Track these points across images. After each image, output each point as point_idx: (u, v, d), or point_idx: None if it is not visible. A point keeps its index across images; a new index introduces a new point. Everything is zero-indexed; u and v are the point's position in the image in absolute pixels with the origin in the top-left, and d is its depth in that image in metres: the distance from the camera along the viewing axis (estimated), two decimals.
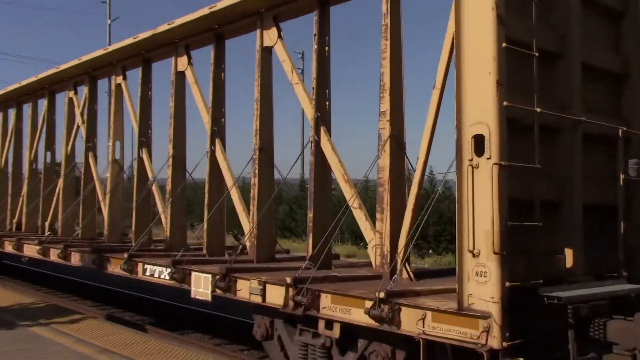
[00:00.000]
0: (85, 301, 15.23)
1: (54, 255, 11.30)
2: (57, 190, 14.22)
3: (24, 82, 15.05)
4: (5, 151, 17.12)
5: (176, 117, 10.76)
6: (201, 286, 7.73)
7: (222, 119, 10.10)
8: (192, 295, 7.89)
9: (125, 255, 9.09)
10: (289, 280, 6.48)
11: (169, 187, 10.60)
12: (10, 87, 15.87)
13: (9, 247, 13.05)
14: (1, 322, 10.19)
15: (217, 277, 7.45)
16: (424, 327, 5.40)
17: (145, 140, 11.64)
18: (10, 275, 18.80)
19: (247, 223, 9.12)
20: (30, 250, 12.11)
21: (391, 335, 5.80)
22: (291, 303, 6.49)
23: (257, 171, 8.95)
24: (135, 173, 11.57)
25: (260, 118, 9.03)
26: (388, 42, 7.36)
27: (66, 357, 8.03)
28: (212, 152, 9.84)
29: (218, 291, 7.52)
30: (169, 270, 8.34)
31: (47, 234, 12.66)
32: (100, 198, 12.62)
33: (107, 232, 12.01)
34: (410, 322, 5.52)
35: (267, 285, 6.91)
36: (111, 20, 41.32)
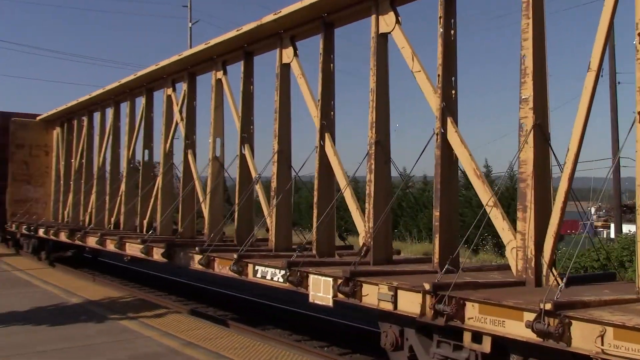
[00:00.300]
0: (169, 296, 15.56)
1: (157, 254, 11.09)
2: (155, 189, 14.13)
3: (123, 81, 15.08)
4: (103, 150, 17.31)
5: (281, 111, 10.30)
6: (321, 290, 7.17)
7: (332, 113, 9.54)
8: (311, 300, 7.35)
9: (235, 256, 8.67)
10: (427, 286, 5.81)
11: (274, 185, 10.16)
12: (108, 87, 15.97)
13: (110, 246, 13.01)
14: (93, 315, 10.56)
15: (340, 281, 6.87)
16: (602, 345, 4.61)
17: (247, 136, 11.25)
18: (99, 270, 19.36)
19: (361, 223, 8.52)
20: (133, 249, 11.99)
21: (556, 353, 5.03)
22: (430, 312, 5.83)
23: (372, 167, 8.33)
24: (237, 170, 11.20)
25: (376, 110, 8.40)
26: (530, 21, 6.58)
27: (154, 350, 8.22)
28: (322, 147, 9.30)
29: (340, 296, 6.94)
30: (282, 272, 7.84)
31: (149, 232, 12.51)
32: (200, 197, 12.36)
33: (208, 231, 11.72)
34: (584, 338, 4.74)
35: (399, 291, 6.26)
36: (192, 23, 41.57)
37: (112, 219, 15.97)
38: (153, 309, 11.36)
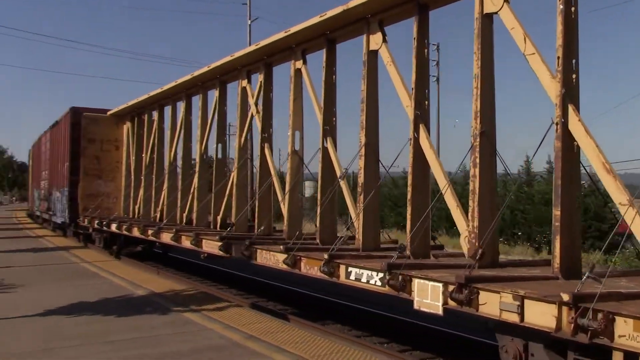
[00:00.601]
0: (230, 289, 15.67)
1: (237, 252, 10.63)
2: (229, 185, 13.72)
3: (196, 73, 14.73)
4: (174, 145, 17.07)
5: (368, 101, 9.64)
6: (428, 296, 6.49)
7: (426, 102, 8.81)
8: (416, 307, 6.67)
9: (325, 256, 8.07)
10: (566, 297, 5.04)
11: (361, 180, 9.52)
12: (180, 80, 15.67)
13: (186, 243, 12.66)
14: (157, 306, 10.82)
15: (452, 287, 6.17)
16: None
17: (329, 128, 10.65)
18: (162, 264, 19.37)
19: (463, 222, 7.77)
20: (209, 246, 11.58)
21: None
22: (569, 327, 5.06)
23: (477, 160, 7.57)
24: (319, 165, 10.61)
25: (481, 98, 7.63)
26: None
27: (216, 342, 8.30)
28: (416, 140, 8.59)
29: (452, 304, 6.24)
30: (381, 275, 7.19)
31: (227, 229, 12.07)
32: (279, 193, 11.84)
33: (287, 228, 11.20)
34: None
35: (527, 302, 5.51)
36: (251, 20, 41.83)
37: (184, 215, 15.69)
38: (215, 302, 11.44)
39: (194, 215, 15.06)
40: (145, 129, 19.46)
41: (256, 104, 12.85)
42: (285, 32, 11.03)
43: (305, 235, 10.86)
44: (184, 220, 15.61)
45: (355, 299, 13.11)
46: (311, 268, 8.56)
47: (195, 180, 15.27)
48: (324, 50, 10.69)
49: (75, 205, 22.19)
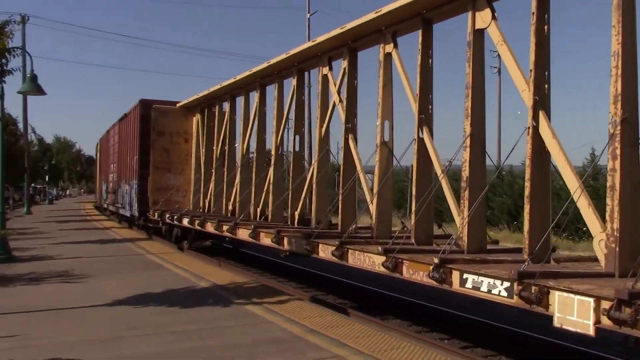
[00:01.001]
0: (289, 282, 15.70)
1: (324, 252, 9.84)
2: (308, 178, 12.95)
3: (272, 61, 13.96)
4: (247, 137, 16.41)
5: (475, 86, 8.62)
6: (574, 313, 5.49)
7: (545, 85, 7.74)
8: (557, 324, 5.67)
9: (436, 260, 7.14)
10: None
11: (465, 174, 8.53)
12: (255, 69, 14.97)
13: (266, 240, 11.96)
14: (220, 298, 10.94)
15: (609, 303, 5.15)
16: None
17: (425, 117, 9.69)
18: (223, 256, 19.35)
19: (597, 224, 6.70)
20: (291, 244, 10.83)
21: None
22: None
23: (617, 151, 6.49)
24: (414, 157, 9.67)
25: (622, 79, 6.54)
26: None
27: (277, 335, 8.34)
28: (535, 129, 7.53)
29: (607, 322, 5.22)
30: (507, 285, 6.23)
31: (312, 226, 11.31)
32: (365, 187, 10.96)
33: (376, 226, 10.33)
34: None
35: None
36: (310, 14, 41.32)
37: (259, 210, 15.03)
38: (275, 295, 11.48)
39: (269, 211, 14.37)
40: (216, 121, 18.89)
41: (339, 92, 12.01)
42: (376, 12, 10.11)
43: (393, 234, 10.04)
44: (258, 216, 14.96)
45: (413, 294, 13.32)
46: (416, 273, 7.65)
47: (271, 173, 14.57)
48: (420, 31, 9.72)
49: (145, 198, 21.98)
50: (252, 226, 12.48)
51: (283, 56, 13.45)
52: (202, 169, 19.30)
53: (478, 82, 8.64)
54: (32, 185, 59.65)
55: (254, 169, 15.67)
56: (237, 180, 16.32)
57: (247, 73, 15.42)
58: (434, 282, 7.21)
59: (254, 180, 15.44)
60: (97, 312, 9.82)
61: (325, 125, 12.59)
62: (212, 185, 18.36)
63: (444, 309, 12.26)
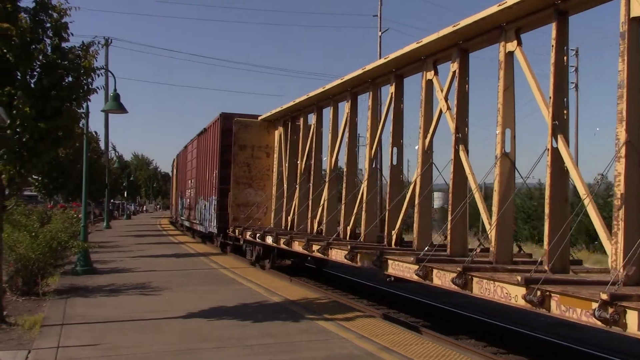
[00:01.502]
0: (361, 300, 15.20)
1: (440, 278, 8.54)
2: (409, 194, 11.69)
3: (367, 68, 12.85)
4: (336, 150, 15.30)
5: (630, 85, 7.21)
6: None
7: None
8: None
9: (604, 296, 5.73)
10: None
11: (620, 190, 7.08)
12: (347, 77, 13.89)
13: (365, 262, 10.76)
14: (292, 313, 10.93)
15: None
16: None
17: (558, 124, 8.30)
18: (291, 273, 18.28)
19: None
20: (399, 268, 9.60)
21: None
22: None
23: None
24: (547, 170, 8.27)
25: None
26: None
27: (351, 352, 8.24)
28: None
29: None
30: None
31: (425, 249, 10.03)
32: (480, 205, 9.61)
33: (496, 248, 8.96)
34: None
35: None
36: (382, 32, 41.42)
37: (349, 228, 13.88)
38: (347, 312, 11.36)
39: (363, 229, 13.17)
40: (300, 134, 17.94)
41: (446, 99, 10.76)
42: (499, 5, 8.84)
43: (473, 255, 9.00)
44: (348, 235, 13.80)
45: (486, 314, 12.97)
46: (570, 310, 6.21)
47: (364, 189, 13.40)
48: (554, 24, 8.39)
49: (225, 215, 21.12)
50: (349, 247, 11.29)
51: (382, 61, 12.35)
52: (285, 185, 18.36)
53: (634, 80, 7.21)
54: (112, 200, 60.87)
55: (344, 185, 14.54)
56: (325, 196, 15.23)
57: (338, 81, 14.36)
58: (598, 323, 5.80)
59: (344, 197, 14.32)
60: (172, 324, 9.90)
61: (429, 136, 11.33)
62: (296, 201, 17.36)
63: (520, 330, 11.71)
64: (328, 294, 15.21)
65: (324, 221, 15.01)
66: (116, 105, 15.03)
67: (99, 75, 10.73)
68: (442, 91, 10.87)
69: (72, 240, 15.43)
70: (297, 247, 14.16)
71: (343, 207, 14.18)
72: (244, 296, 12.78)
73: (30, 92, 9.30)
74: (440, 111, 10.94)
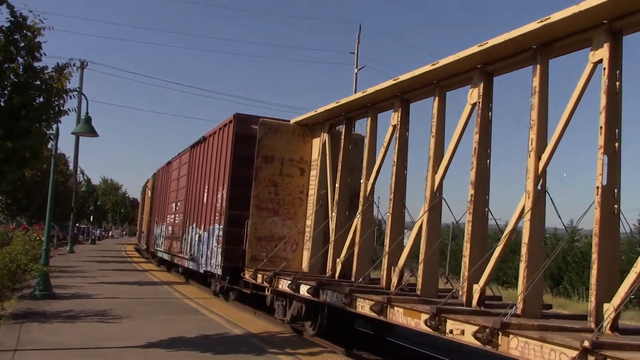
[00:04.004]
0: (325, 334, 13.83)
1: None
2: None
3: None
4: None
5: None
6: None
7: None
8: None
9: None
10: None
11: None
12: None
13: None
14: (253, 347, 10.82)
15: None
16: None
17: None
18: (255, 306, 15.62)
19: None
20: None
21: None
22: None
23: None
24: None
25: None
26: None
27: None
28: None
29: None
30: None
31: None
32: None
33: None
34: None
35: None
36: (358, 69, 42.65)
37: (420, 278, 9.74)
38: (309, 347, 11.28)
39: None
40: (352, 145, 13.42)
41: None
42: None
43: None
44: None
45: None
46: None
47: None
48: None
49: (235, 251, 15.28)
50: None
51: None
52: (331, 213, 13.11)
53: None
54: (77, 224, 58.56)
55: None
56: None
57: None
58: None
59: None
60: (131, 354, 9.72)
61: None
62: (349, 236, 12.14)
63: None
64: (290, 328, 13.21)
65: (387, 265, 10.64)
66: (87, 129, 14.82)
67: (71, 97, 10.77)
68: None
69: (32, 263, 14.97)
70: (365, 308, 9.30)
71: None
72: (205, 327, 12.62)
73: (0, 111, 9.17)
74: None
